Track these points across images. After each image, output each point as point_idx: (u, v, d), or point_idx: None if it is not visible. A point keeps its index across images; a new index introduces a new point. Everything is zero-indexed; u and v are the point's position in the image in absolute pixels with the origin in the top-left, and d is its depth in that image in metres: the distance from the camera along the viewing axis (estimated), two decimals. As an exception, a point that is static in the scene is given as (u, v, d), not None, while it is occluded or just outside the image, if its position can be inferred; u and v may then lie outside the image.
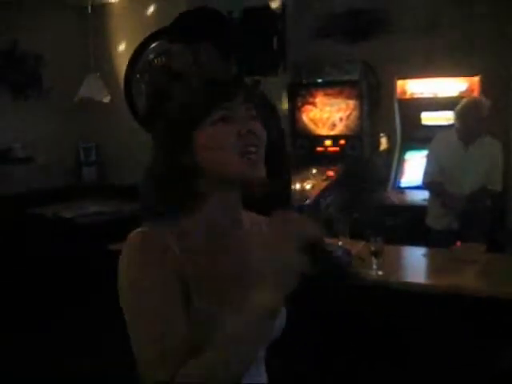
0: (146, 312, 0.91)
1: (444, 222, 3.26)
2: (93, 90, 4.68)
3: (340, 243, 2.75)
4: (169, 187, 1.00)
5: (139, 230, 0.98)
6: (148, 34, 1.55)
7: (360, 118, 4.35)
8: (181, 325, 0.91)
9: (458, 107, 3.26)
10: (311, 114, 4.50)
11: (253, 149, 0.98)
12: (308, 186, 4.15)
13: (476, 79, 4.00)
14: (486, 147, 3.24)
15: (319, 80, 4.45)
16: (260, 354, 1.04)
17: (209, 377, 0.86)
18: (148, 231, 0.98)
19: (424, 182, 3.40)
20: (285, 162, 2.50)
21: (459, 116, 3.23)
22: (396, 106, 4.30)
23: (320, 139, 4.49)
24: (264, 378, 1.09)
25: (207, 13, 1.93)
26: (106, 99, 4.76)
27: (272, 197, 1.05)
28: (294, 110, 4.52)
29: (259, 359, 1.05)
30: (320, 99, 4.45)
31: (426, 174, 3.36)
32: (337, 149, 4.44)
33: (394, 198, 4.14)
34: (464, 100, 3.32)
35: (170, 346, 0.89)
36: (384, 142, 4.46)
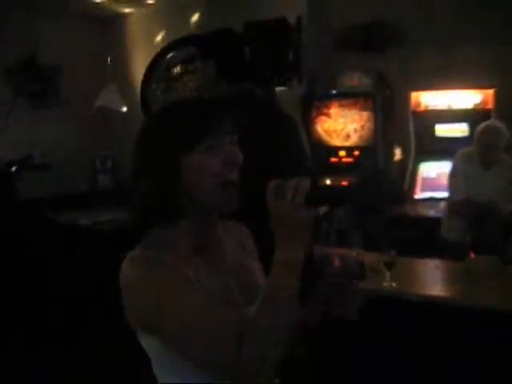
0: (198, 309, 0.97)
1: (458, 234, 3.25)
2: (110, 99, 4.76)
3: (353, 255, 2.75)
4: (157, 205, 1.06)
5: (134, 254, 1.05)
6: (165, 44, 1.59)
7: (374, 129, 4.35)
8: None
9: (475, 134, 3.24)
10: (325, 125, 4.51)
11: (233, 179, 1.07)
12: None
13: (490, 91, 3.99)
14: (504, 168, 3.22)
15: (334, 91, 4.46)
16: None
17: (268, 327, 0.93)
18: (145, 253, 1.04)
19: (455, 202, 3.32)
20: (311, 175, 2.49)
21: (475, 142, 3.22)
22: (410, 117, 4.29)
23: (334, 150, 4.48)
24: None
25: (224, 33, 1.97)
26: (123, 109, 4.83)
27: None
28: (309, 121, 4.53)
29: None
30: (334, 110, 4.46)
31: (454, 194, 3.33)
32: (351, 160, 4.43)
33: (407, 209, 4.13)
34: (481, 126, 3.27)
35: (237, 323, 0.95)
36: (398, 154, 4.45)
